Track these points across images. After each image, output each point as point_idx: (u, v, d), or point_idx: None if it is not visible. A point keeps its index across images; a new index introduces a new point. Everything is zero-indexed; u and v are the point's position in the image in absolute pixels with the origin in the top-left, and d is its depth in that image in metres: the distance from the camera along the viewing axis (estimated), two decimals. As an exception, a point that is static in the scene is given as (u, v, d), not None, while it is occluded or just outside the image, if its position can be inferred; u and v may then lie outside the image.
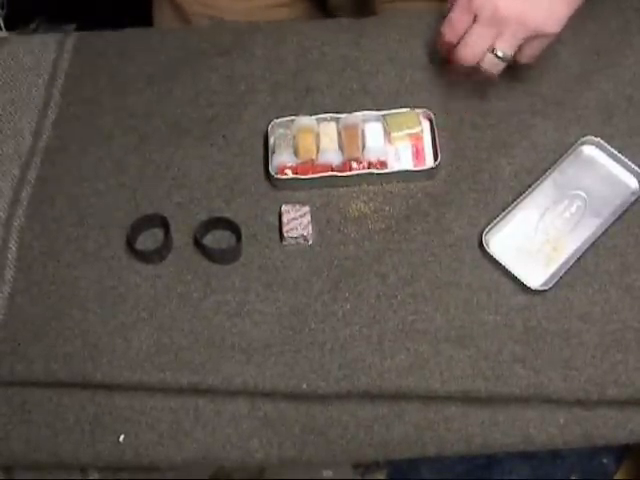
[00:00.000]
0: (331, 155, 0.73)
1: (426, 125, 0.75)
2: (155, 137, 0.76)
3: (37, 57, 0.82)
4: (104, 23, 0.85)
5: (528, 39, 0.68)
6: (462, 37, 0.69)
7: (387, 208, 0.71)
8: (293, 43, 0.81)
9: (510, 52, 0.68)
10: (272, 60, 0.80)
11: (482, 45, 0.69)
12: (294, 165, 0.72)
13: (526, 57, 0.70)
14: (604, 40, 0.80)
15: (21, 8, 1.22)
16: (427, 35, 0.79)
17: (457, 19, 0.69)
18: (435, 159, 0.72)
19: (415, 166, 0.73)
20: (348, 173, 0.71)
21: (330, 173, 0.72)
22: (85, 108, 0.78)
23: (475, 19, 0.68)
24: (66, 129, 0.77)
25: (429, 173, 0.72)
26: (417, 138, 0.74)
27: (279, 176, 0.71)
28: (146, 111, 0.78)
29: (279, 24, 0.84)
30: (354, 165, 0.72)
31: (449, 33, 0.71)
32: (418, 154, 0.73)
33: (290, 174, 0.72)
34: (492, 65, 0.70)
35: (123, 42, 0.83)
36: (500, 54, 0.68)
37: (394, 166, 0.73)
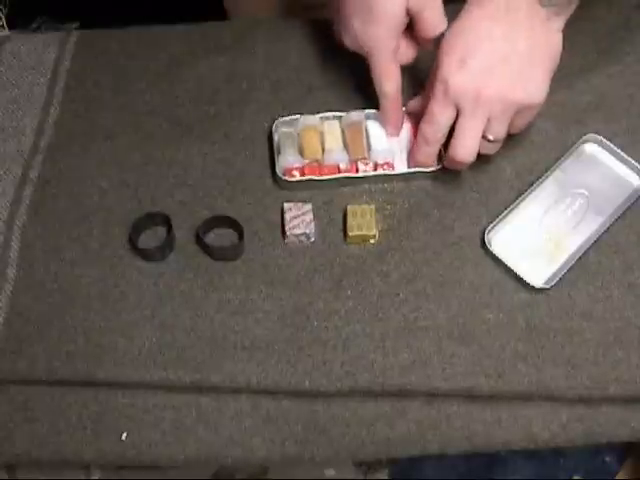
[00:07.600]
0: (337, 155, 0.72)
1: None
2: (157, 135, 0.76)
3: (39, 55, 0.82)
4: (106, 21, 0.84)
5: (517, 113, 0.64)
6: (453, 136, 0.65)
7: (389, 207, 0.71)
8: (295, 41, 0.81)
9: (503, 133, 0.65)
10: (274, 58, 0.80)
11: (476, 138, 0.64)
12: (300, 166, 0.72)
13: (517, 128, 0.67)
14: (604, 38, 0.80)
15: (23, 6, 1.22)
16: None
17: (438, 115, 0.64)
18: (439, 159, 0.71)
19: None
20: (356, 174, 0.71)
21: (338, 175, 0.71)
22: (87, 106, 0.78)
23: (459, 111, 0.63)
24: (68, 127, 0.77)
25: (434, 173, 0.71)
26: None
27: (287, 178, 0.71)
28: (148, 109, 0.78)
29: (281, 22, 0.84)
30: (361, 166, 0.71)
31: (432, 132, 0.66)
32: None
33: (297, 176, 0.71)
34: (487, 150, 0.67)
35: (125, 40, 0.83)
36: (492, 137, 0.65)
37: (399, 166, 0.72)
